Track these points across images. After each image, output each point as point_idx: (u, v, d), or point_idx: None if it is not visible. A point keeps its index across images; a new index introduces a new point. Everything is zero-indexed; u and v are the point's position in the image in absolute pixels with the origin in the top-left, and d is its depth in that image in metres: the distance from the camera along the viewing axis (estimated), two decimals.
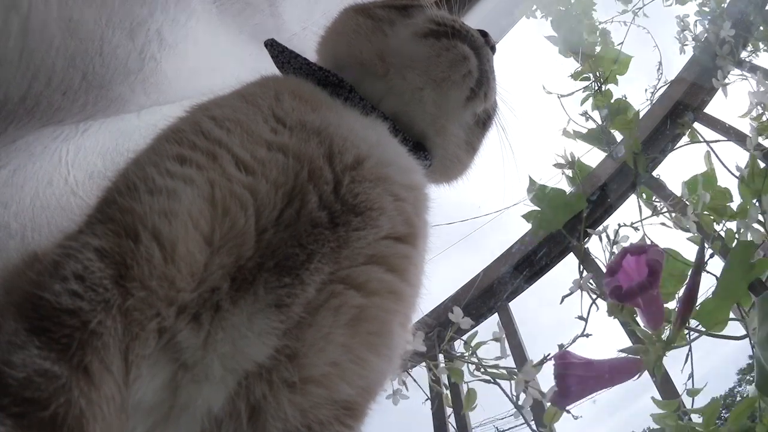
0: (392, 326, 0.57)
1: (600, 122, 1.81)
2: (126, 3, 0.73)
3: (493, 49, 0.81)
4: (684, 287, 0.92)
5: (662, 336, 0.91)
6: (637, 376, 0.88)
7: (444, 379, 1.57)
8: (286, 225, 0.52)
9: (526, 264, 1.83)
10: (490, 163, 0.88)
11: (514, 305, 1.82)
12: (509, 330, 1.75)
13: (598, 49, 1.92)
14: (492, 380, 1.37)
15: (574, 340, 1.32)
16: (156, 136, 0.58)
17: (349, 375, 0.51)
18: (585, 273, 1.49)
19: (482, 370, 1.39)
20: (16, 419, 0.35)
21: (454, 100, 0.76)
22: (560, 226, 1.59)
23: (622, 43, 1.93)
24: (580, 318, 1.32)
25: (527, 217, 1.70)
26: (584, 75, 1.91)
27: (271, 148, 0.54)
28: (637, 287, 0.87)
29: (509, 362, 1.43)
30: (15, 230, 0.75)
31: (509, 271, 1.83)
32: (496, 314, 1.82)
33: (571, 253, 1.71)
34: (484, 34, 0.79)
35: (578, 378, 0.87)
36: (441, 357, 1.79)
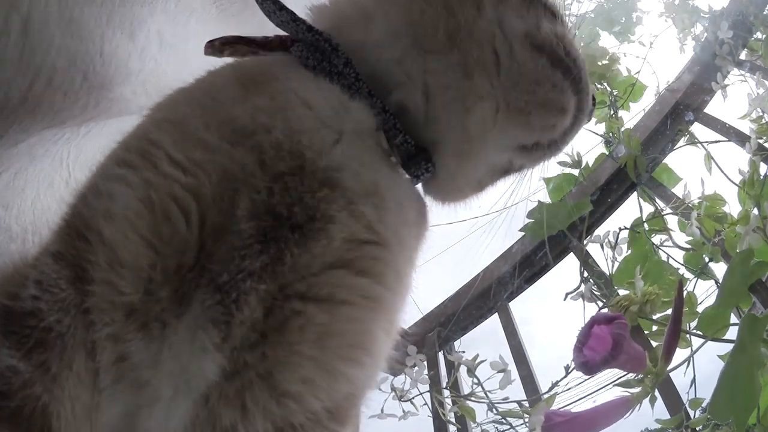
0: (373, 334, 0.51)
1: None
2: (126, 2, 0.73)
3: (587, 119, 0.66)
4: (669, 323, 0.95)
5: (651, 372, 0.92)
6: (628, 413, 0.89)
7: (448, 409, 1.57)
8: (222, 236, 0.47)
9: (526, 264, 1.83)
10: None
11: (514, 305, 1.83)
12: (509, 330, 1.75)
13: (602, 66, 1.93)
14: (503, 419, 1.38)
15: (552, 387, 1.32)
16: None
17: (322, 391, 0.48)
18: (586, 280, 1.48)
19: (494, 411, 1.40)
20: None
21: (508, 137, 0.60)
22: (562, 227, 1.59)
23: (638, 72, 1.93)
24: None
25: (524, 230, 1.68)
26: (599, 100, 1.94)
27: (206, 150, 0.49)
28: (601, 361, 0.89)
29: (516, 386, 1.42)
30: (16, 233, 0.74)
31: (509, 271, 1.83)
32: (496, 314, 1.83)
33: (572, 253, 1.71)
34: (594, 102, 0.65)
35: None
36: (441, 357, 1.80)
